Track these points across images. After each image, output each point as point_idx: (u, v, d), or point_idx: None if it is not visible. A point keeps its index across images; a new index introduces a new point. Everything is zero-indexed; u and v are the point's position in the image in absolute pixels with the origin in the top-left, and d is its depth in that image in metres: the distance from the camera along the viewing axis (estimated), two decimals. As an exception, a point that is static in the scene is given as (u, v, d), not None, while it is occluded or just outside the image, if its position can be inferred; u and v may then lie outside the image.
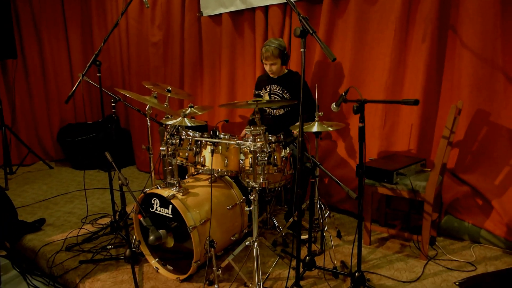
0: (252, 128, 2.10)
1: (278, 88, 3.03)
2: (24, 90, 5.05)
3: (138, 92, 2.82)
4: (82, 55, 5.40)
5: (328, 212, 2.75)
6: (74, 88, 2.55)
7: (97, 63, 2.63)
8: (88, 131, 4.91)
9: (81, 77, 2.58)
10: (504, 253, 2.54)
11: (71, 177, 4.58)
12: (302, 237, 2.65)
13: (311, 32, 1.67)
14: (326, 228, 2.58)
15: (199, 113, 2.93)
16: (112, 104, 2.82)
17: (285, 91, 3.00)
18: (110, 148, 2.44)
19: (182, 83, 4.26)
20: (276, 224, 2.89)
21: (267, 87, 3.09)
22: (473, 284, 2.19)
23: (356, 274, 2.05)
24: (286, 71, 3.07)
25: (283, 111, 3.06)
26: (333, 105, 2.32)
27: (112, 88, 3.86)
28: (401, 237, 2.79)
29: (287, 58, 2.98)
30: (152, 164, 2.76)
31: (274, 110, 3.09)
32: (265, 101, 2.05)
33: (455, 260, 2.47)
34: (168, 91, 2.74)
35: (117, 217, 2.89)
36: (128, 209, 3.05)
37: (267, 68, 2.98)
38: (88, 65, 2.59)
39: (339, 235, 2.86)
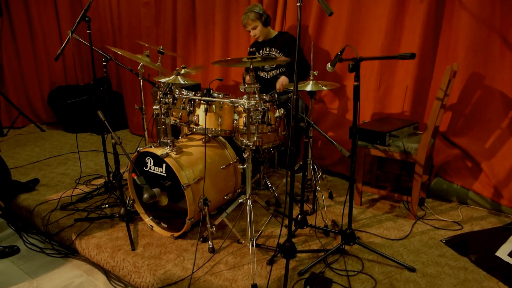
0: (246, 86, 2.07)
1: (269, 49, 3.00)
2: (12, 50, 4.89)
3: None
4: (70, 13, 5.19)
5: (320, 174, 2.79)
6: (63, 45, 2.48)
7: (87, 19, 2.53)
8: (80, 93, 4.83)
9: (70, 34, 2.50)
10: (489, 213, 2.62)
11: (63, 139, 4.55)
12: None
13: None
14: (318, 189, 2.62)
15: (193, 73, 2.88)
16: (104, 63, 2.75)
17: (278, 51, 2.98)
18: (102, 111, 2.40)
19: (175, 44, 4.16)
20: (269, 185, 2.92)
21: (260, 52, 3.08)
22: (458, 241, 2.27)
23: (347, 231, 2.11)
24: (276, 32, 3.04)
25: (278, 72, 3.03)
26: (329, 65, 2.28)
27: (103, 48, 3.77)
28: (391, 198, 2.86)
29: (267, 18, 2.99)
30: (145, 125, 2.74)
31: (268, 73, 3.05)
32: (259, 58, 2.01)
33: (443, 220, 2.54)
34: (160, 53, 2.68)
35: (111, 178, 2.90)
36: (122, 169, 3.06)
37: (252, 34, 3.03)
38: (77, 21, 2.50)
39: (331, 196, 2.91)
